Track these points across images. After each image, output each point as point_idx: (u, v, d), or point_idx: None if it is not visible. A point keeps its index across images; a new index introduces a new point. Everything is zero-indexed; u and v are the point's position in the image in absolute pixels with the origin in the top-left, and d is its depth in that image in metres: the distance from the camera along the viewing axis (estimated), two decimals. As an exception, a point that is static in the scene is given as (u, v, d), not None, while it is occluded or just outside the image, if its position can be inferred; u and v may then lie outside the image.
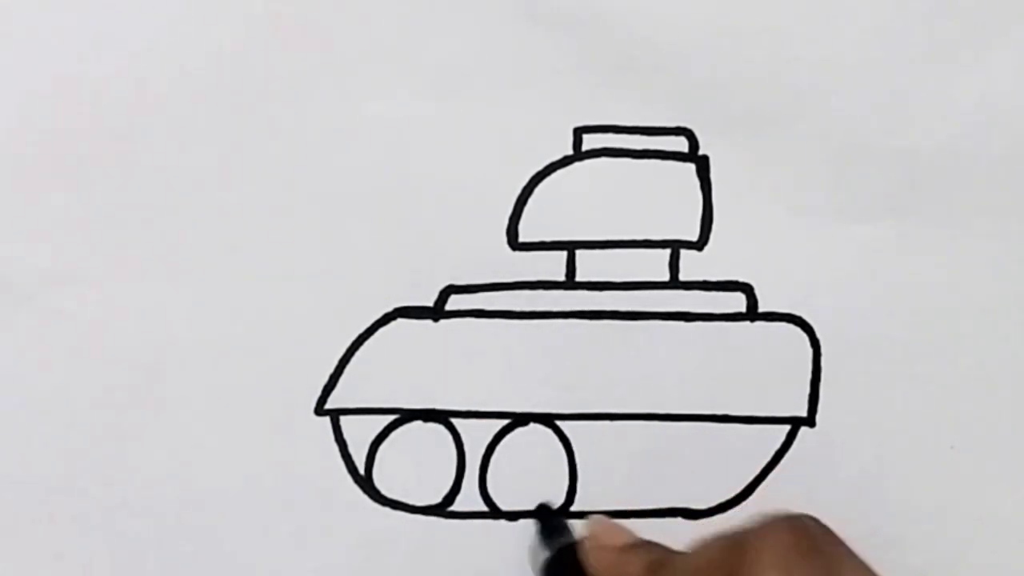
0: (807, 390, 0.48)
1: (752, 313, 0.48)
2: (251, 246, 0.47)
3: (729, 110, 0.48)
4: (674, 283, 0.48)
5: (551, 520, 0.47)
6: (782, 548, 0.38)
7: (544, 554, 0.46)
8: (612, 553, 0.44)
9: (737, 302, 0.48)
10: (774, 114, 0.48)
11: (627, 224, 0.48)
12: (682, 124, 0.48)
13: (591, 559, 0.45)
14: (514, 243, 0.47)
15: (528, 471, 0.48)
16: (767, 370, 0.48)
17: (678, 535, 0.48)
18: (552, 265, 0.48)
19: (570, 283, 0.48)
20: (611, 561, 0.44)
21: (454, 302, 0.47)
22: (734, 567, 0.38)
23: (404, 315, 0.47)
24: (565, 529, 0.47)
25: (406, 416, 0.48)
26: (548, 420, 0.48)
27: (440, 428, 0.48)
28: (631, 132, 0.48)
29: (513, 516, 0.48)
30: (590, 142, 0.47)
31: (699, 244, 0.48)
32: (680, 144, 0.48)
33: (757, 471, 0.48)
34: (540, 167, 0.47)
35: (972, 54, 0.47)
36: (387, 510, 0.47)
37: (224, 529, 0.47)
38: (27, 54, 0.46)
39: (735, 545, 0.39)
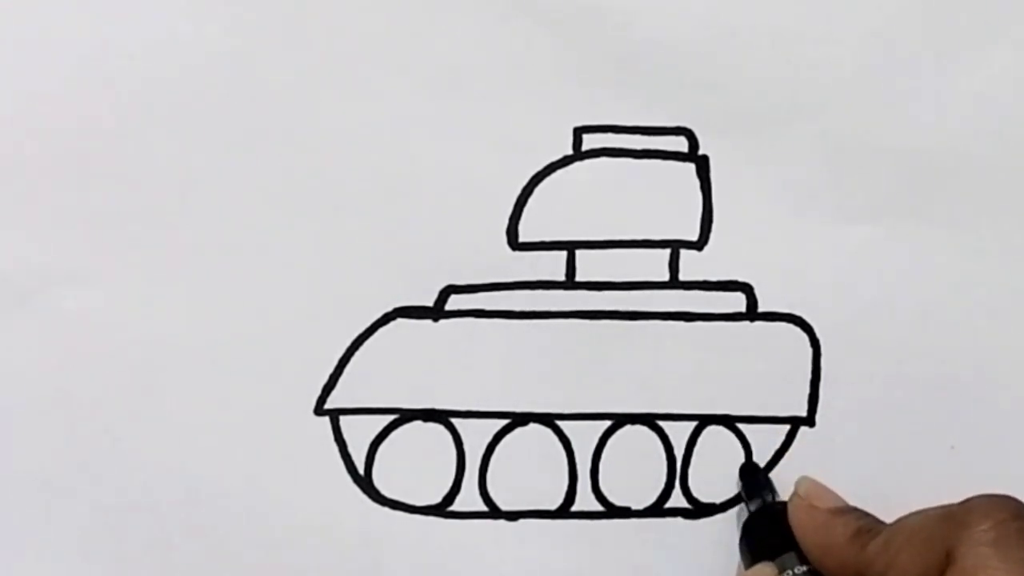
0: (807, 390, 0.48)
1: (752, 313, 0.48)
2: (251, 246, 0.47)
3: (729, 110, 0.48)
4: (674, 283, 0.48)
5: (755, 477, 0.47)
6: (997, 525, 0.38)
7: (748, 510, 0.47)
8: (821, 514, 0.44)
9: (737, 302, 0.48)
10: (774, 114, 0.48)
11: (627, 224, 0.48)
12: (682, 124, 0.48)
13: (798, 518, 0.45)
14: (514, 243, 0.47)
15: (528, 471, 0.48)
16: (767, 370, 0.48)
17: (678, 535, 0.48)
18: (552, 265, 0.48)
19: (570, 283, 0.48)
20: (819, 522, 0.44)
21: (454, 302, 0.47)
22: (948, 541, 0.39)
23: (404, 315, 0.47)
24: (769, 486, 0.47)
25: (406, 416, 0.47)
26: (548, 420, 0.48)
27: (440, 428, 0.47)
28: (631, 132, 0.48)
29: (513, 516, 0.48)
30: (590, 142, 0.47)
31: (699, 244, 0.48)
32: (680, 144, 0.48)
33: (757, 471, 0.48)
34: (540, 167, 0.47)
35: (972, 54, 0.47)
36: (387, 510, 0.47)
37: (224, 529, 0.47)
38: (27, 54, 0.46)
39: (948, 518, 0.39)
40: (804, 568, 0.44)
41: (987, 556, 0.38)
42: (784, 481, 0.48)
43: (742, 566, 0.46)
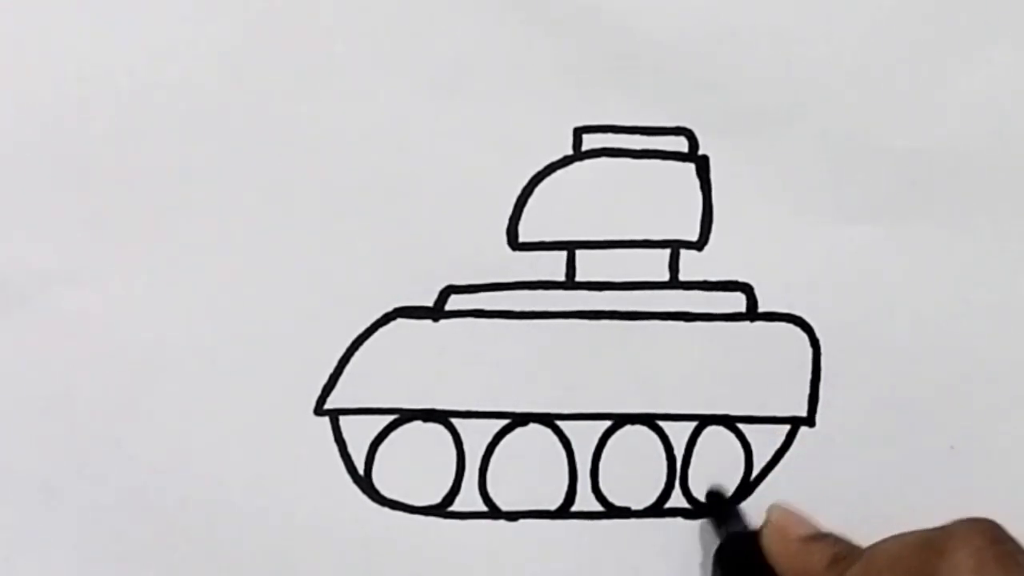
0: (807, 390, 0.48)
1: (752, 313, 0.48)
2: (251, 246, 0.47)
3: (729, 110, 0.48)
4: (674, 283, 0.48)
5: (724, 507, 0.47)
6: (978, 552, 0.38)
7: (717, 540, 0.46)
8: (795, 543, 0.44)
9: (737, 302, 0.48)
10: (774, 114, 0.48)
11: (627, 224, 0.48)
12: (682, 124, 0.48)
13: (772, 547, 0.44)
14: (514, 243, 0.47)
15: (528, 471, 0.48)
16: (767, 370, 0.48)
17: (678, 535, 0.48)
18: (552, 265, 0.48)
19: (570, 283, 0.48)
20: (793, 551, 0.44)
21: (454, 302, 0.47)
22: (927, 569, 0.38)
23: (404, 315, 0.47)
24: (738, 516, 0.47)
25: (406, 416, 0.48)
26: (548, 420, 0.48)
27: (440, 428, 0.47)
28: (631, 132, 0.48)
29: (513, 516, 0.48)
30: (590, 142, 0.47)
31: (699, 244, 0.48)
32: (680, 144, 0.48)
33: (757, 471, 0.48)
34: (540, 167, 0.47)
35: (972, 54, 0.47)
36: (387, 510, 0.47)
37: (224, 529, 0.47)
38: (27, 54, 0.46)
39: (927, 546, 0.39)
40: None
41: None
42: (784, 481, 0.48)
43: None
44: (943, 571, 0.38)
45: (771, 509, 0.46)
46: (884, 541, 0.41)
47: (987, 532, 0.39)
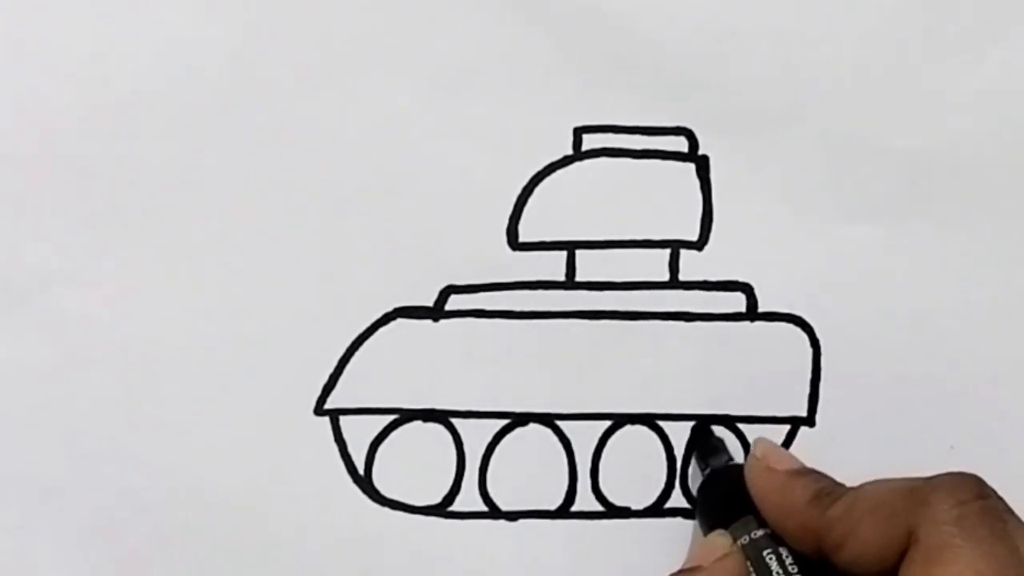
0: (807, 390, 0.48)
1: (752, 313, 0.48)
2: (251, 246, 0.47)
3: (729, 110, 0.48)
4: (674, 283, 0.48)
5: (708, 439, 0.47)
6: (961, 504, 0.38)
7: (701, 472, 0.46)
8: (779, 476, 0.43)
9: (737, 302, 0.48)
10: (774, 114, 0.48)
11: (627, 224, 0.48)
12: (682, 124, 0.48)
13: (755, 481, 0.44)
14: (514, 243, 0.47)
15: (528, 471, 0.48)
16: (767, 370, 0.48)
17: (678, 535, 0.48)
18: (552, 265, 0.48)
19: (570, 283, 0.48)
20: (778, 484, 0.43)
21: (454, 302, 0.47)
22: (911, 518, 0.38)
23: (404, 315, 0.47)
24: (722, 450, 0.47)
25: (406, 416, 0.47)
26: (548, 420, 0.48)
27: (440, 428, 0.47)
28: (631, 132, 0.48)
29: (513, 516, 0.48)
30: (590, 142, 0.47)
31: (699, 244, 0.48)
32: (680, 144, 0.48)
33: (757, 471, 0.48)
34: (540, 167, 0.47)
35: (972, 54, 0.47)
36: (387, 510, 0.47)
37: (224, 529, 0.47)
38: (27, 54, 0.46)
39: (912, 494, 0.39)
40: (761, 532, 0.43)
41: (951, 535, 0.37)
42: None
43: (699, 531, 0.46)
44: (925, 518, 0.38)
45: (756, 443, 0.45)
46: (869, 483, 0.41)
47: (972, 486, 0.39)
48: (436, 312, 0.47)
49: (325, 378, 0.47)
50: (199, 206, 0.47)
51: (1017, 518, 0.39)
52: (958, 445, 0.48)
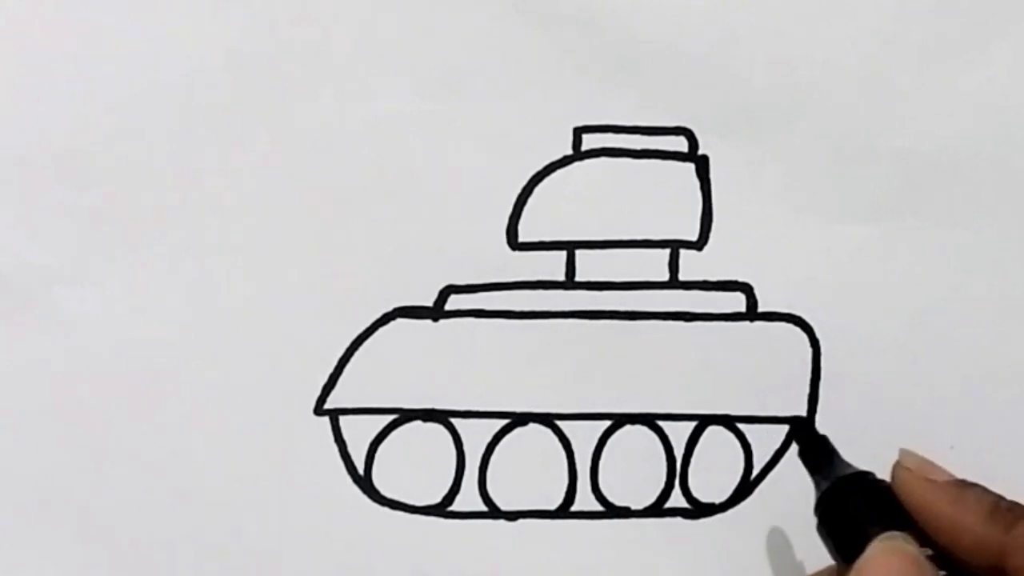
0: (807, 390, 0.48)
1: (752, 313, 0.48)
2: (251, 246, 0.47)
3: (729, 110, 0.48)
4: (674, 283, 0.48)
5: (815, 441, 0.43)
6: None
7: (814, 480, 0.42)
8: (946, 489, 0.39)
9: (737, 302, 0.48)
10: (774, 114, 0.48)
11: (627, 224, 0.48)
12: (682, 124, 0.48)
13: (915, 494, 0.40)
14: (514, 243, 0.47)
15: (528, 471, 0.48)
16: (767, 370, 0.48)
17: (678, 535, 0.48)
18: (552, 265, 0.48)
19: (570, 283, 0.48)
20: (944, 498, 0.39)
21: (454, 302, 0.47)
22: None
23: (404, 315, 0.47)
24: (837, 459, 0.42)
25: (406, 416, 0.48)
26: (548, 420, 0.48)
27: (440, 428, 0.47)
28: (631, 132, 0.48)
29: (513, 516, 0.48)
30: (590, 142, 0.47)
31: (699, 244, 0.48)
32: (680, 144, 0.48)
33: (757, 471, 0.48)
34: (540, 167, 0.47)
35: (972, 54, 0.47)
36: (387, 510, 0.47)
37: (224, 529, 0.47)
38: (27, 54, 0.46)
39: None
40: (924, 552, 0.39)
41: None
42: (784, 481, 0.48)
43: (830, 554, 0.42)
44: None
45: (904, 453, 0.41)
46: None
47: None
48: (436, 312, 0.47)
49: (325, 378, 0.47)
50: (199, 206, 0.47)
51: None
52: (958, 445, 0.48)
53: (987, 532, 0.38)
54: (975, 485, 0.40)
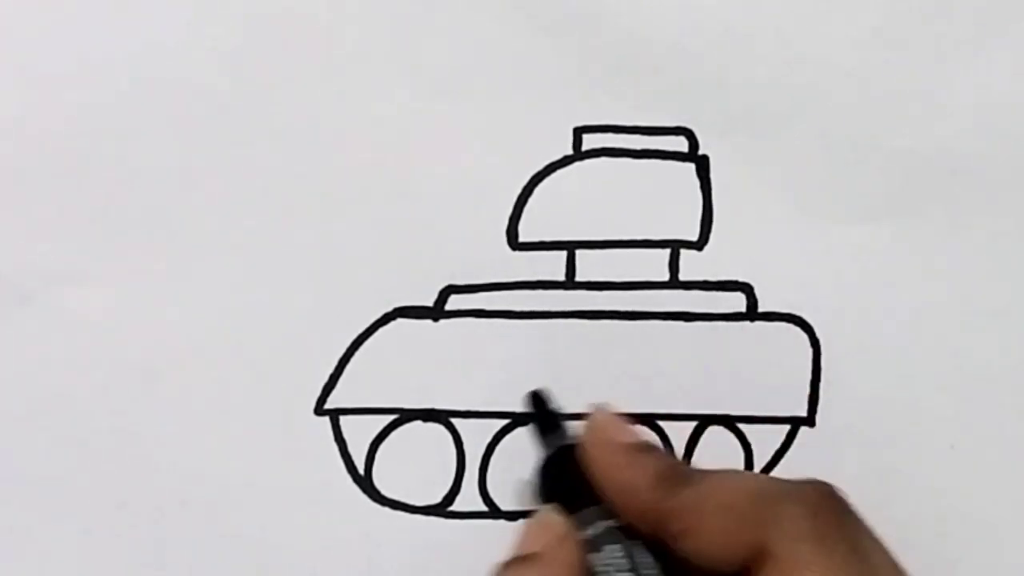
0: (807, 390, 0.48)
1: (752, 313, 0.48)
2: (251, 246, 0.47)
3: (729, 110, 0.48)
4: (674, 283, 0.48)
5: (548, 415, 0.44)
6: (815, 517, 0.36)
7: (541, 454, 0.43)
8: (619, 453, 0.40)
9: (737, 302, 0.48)
10: (774, 114, 0.48)
11: (627, 224, 0.48)
12: (682, 124, 0.48)
13: (594, 455, 0.40)
14: (514, 243, 0.47)
15: (528, 471, 0.48)
16: (767, 370, 0.48)
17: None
18: (552, 265, 0.48)
19: (570, 283, 0.48)
20: (618, 462, 0.40)
21: (454, 302, 0.47)
22: (760, 527, 0.36)
23: (404, 315, 0.47)
24: (563, 429, 0.43)
25: (406, 416, 0.48)
26: (548, 420, 0.48)
27: (440, 428, 0.47)
28: (631, 132, 0.48)
29: (513, 516, 0.48)
30: (590, 142, 0.47)
31: (699, 244, 0.48)
32: (680, 144, 0.48)
33: (757, 471, 0.48)
34: (540, 167, 0.47)
35: (972, 54, 0.47)
36: (387, 510, 0.47)
37: (223, 529, 0.47)
38: (27, 54, 0.46)
39: (761, 499, 0.37)
40: (609, 524, 0.39)
41: (809, 553, 0.36)
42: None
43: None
44: (779, 533, 0.36)
45: (594, 414, 0.42)
46: (718, 474, 0.39)
47: (826, 497, 0.37)
48: (436, 312, 0.47)
49: (325, 378, 0.47)
50: (199, 206, 0.47)
51: (870, 531, 0.38)
52: (958, 445, 0.48)
53: (651, 497, 0.38)
54: (653, 448, 0.40)
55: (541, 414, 0.44)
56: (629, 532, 0.40)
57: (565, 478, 0.41)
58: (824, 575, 0.35)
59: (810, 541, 0.36)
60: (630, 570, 0.39)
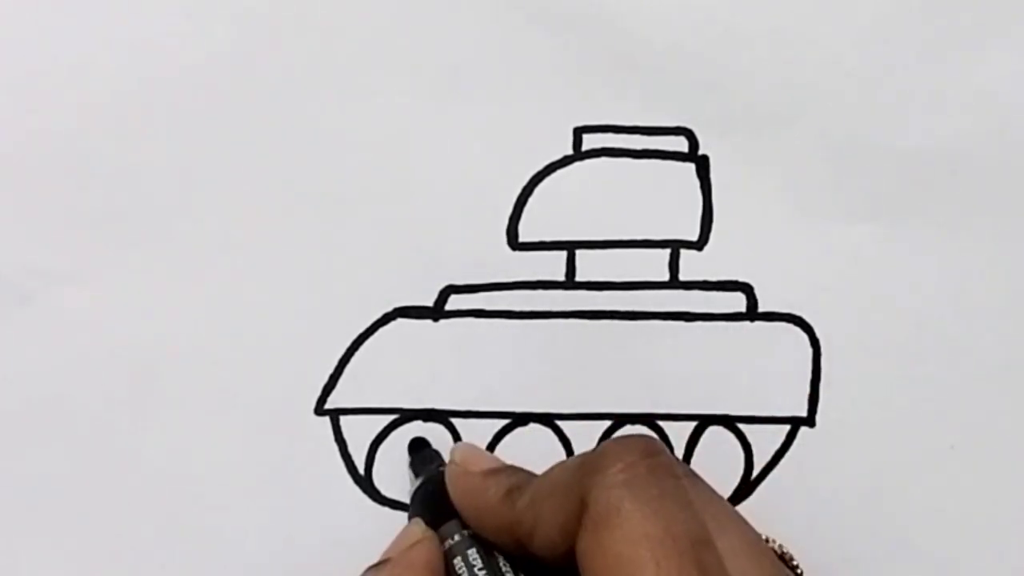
0: (807, 390, 0.48)
1: (752, 313, 0.48)
2: (251, 246, 0.47)
3: (729, 110, 0.48)
4: (674, 283, 0.48)
5: (423, 450, 0.46)
6: (629, 466, 0.37)
7: (415, 483, 0.46)
8: (474, 477, 0.43)
9: (737, 302, 0.48)
10: (774, 114, 0.48)
11: (627, 224, 0.48)
12: (682, 124, 0.48)
13: (454, 484, 0.43)
14: (514, 243, 0.47)
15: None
16: (767, 370, 0.48)
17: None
18: (552, 265, 0.48)
19: (570, 283, 0.48)
20: (473, 486, 0.42)
21: (454, 302, 0.47)
22: (583, 488, 0.37)
23: (404, 315, 0.47)
24: (436, 458, 0.46)
25: (406, 416, 0.48)
26: (548, 420, 0.48)
27: (440, 428, 0.47)
28: (631, 132, 0.48)
29: (513, 516, 0.48)
30: (590, 142, 0.48)
31: (699, 244, 0.48)
32: (680, 144, 0.48)
33: (757, 471, 0.48)
34: (540, 167, 0.47)
35: (972, 54, 0.47)
36: (387, 510, 0.47)
37: (223, 529, 0.47)
38: (27, 54, 0.46)
39: (583, 466, 0.38)
40: (465, 532, 0.43)
41: (619, 498, 0.36)
42: (784, 481, 0.48)
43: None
44: (595, 487, 0.37)
45: (454, 449, 0.45)
46: (552, 467, 0.41)
47: (640, 446, 0.38)
48: (436, 312, 0.47)
49: (325, 378, 0.47)
50: (199, 206, 0.47)
51: (692, 473, 0.39)
52: (958, 445, 0.48)
53: (501, 512, 0.41)
54: (508, 468, 0.43)
55: (418, 454, 0.47)
56: (484, 541, 0.42)
57: (431, 500, 0.44)
58: (634, 517, 0.36)
59: (622, 487, 0.37)
60: (483, 568, 0.42)
